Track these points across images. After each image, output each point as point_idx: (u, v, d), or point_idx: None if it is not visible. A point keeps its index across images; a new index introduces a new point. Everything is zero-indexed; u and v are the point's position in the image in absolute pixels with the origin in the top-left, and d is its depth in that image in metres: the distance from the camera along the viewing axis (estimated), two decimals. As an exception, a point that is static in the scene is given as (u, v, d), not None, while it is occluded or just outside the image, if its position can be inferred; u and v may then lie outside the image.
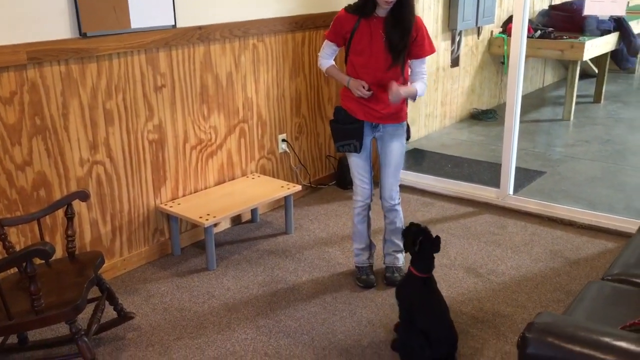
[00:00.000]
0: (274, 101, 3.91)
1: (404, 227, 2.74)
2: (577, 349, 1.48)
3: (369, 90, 2.79)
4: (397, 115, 2.89)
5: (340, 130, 2.94)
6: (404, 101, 2.87)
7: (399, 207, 3.05)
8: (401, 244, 3.00)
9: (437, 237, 2.46)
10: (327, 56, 2.95)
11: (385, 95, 2.75)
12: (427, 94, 5.43)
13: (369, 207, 3.06)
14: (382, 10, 2.72)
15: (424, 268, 2.45)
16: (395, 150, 2.96)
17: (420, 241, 2.42)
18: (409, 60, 2.84)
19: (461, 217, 3.81)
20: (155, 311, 2.91)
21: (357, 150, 2.92)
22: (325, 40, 2.92)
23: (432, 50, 2.82)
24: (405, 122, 2.96)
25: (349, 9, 2.81)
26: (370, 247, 3.14)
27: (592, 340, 1.49)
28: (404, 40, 2.73)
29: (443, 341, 2.44)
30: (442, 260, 3.32)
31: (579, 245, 3.46)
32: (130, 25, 3.00)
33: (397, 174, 3.00)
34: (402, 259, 3.14)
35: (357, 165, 2.97)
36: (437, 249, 2.45)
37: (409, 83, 2.86)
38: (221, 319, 2.83)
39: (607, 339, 1.48)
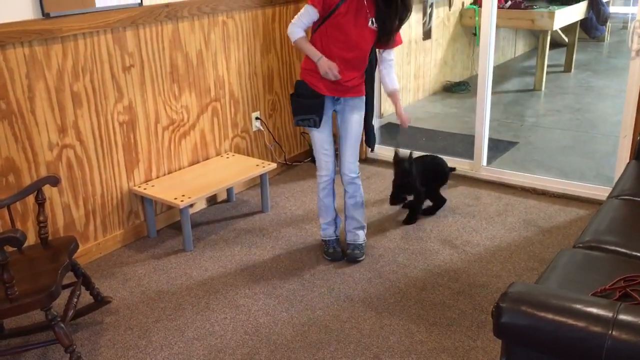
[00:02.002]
0: (246, 79, 3.87)
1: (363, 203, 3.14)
2: (550, 316, 1.51)
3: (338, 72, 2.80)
4: (357, 88, 2.95)
5: (300, 105, 2.91)
6: (362, 76, 2.95)
7: (358, 181, 3.07)
8: (362, 220, 3.14)
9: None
10: (303, 25, 2.82)
11: (349, 72, 2.84)
12: (400, 67, 5.44)
13: (333, 181, 3.08)
14: None
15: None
16: (355, 122, 3.00)
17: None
18: (379, 49, 2.95)
19: (436, 190, 3.84)
20: (133, 294, 2.90)
21: (317, 125, 2.92)
22: (307, 7, 2.77)
23: (401, 41, 2.94)
24: (364, 96, 3.01)
25: None
26: (336, 220, 3.17)
27: (565, 308, 1.51)
28: (398, 25, 2.80)
29: None
30: (418, 233, 3.35)
31: (552, 214, 3.52)
32: (95, 4, 2.92)
33: (356, 147, 3.04)
34: (364, 236, 3.16)
35: (320, 139, 2.97)
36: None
37: (382, 73, 3.00)
38: (200, 300, 2.83)
39: (578, 306, 1.51)
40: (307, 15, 2.80)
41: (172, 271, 3.08)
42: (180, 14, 3.32)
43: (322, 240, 3.20)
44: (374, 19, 2.77)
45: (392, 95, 3.06)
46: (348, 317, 2.66)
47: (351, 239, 3.15)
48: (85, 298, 2.75)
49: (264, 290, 2.88)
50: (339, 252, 3.13)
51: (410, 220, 3.48)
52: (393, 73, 3.02)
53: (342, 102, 2.97)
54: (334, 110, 3.00)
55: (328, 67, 2.77)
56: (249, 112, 3.95)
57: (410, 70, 5.69)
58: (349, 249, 3.14)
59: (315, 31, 2.84)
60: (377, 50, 2.98)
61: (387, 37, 2.83)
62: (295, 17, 2.84)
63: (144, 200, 3.37)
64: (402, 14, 2.77)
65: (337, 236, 3.18)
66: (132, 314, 2.75)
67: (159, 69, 3.32)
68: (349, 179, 3.04)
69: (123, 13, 3.04)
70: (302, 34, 2.83)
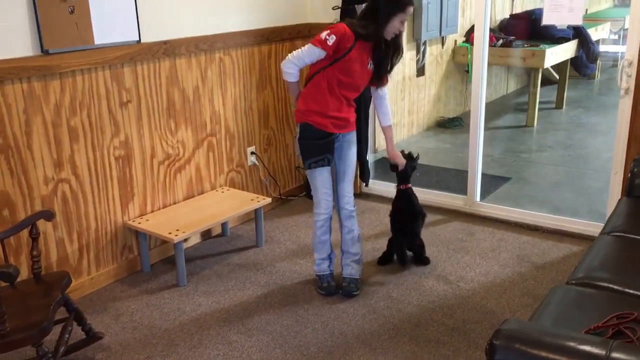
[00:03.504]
0: (241, 114, 3.91)
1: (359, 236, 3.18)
2: (544, 354, 1.51)
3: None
4: (353, 121, 3.04)
5: (313, 147, 2.89)
6: (354, 110, 3.04)
7: (355, 214, 3.12)
8: (360, 254, 3.15)
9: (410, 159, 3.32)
10: (302, 64, 2.84)
11: (349, 108, 2.96)
12: (394, 103, 5.51)
13: (331, 218, 3.09)
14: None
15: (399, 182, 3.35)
16: (352, 156, 3.08)
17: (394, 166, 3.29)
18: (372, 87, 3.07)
19: (430, 225, 3.85)
20: (125, 330, 2.87)
21: (330, 163, 2.94)
22: (314, 49, 2.78)
23: (388, 79, 3.06)
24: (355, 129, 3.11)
25: (352, 28, 2.78)
26: (330, 255, 3.18)
27: (558, 346, 1.52)
28: (391, 66, 2.96)
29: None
30: (412, 268, 3.35)
31: (545, 250, 3.53)
32: (94, 42, 2.97)
33: (352, 180, 3.11)
34: (359, 271, 3.17)
35: (324, 179, 2.98)
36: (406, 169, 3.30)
37: (377, 110, 3.13)
38: (192, 336, 2.81)
39: (572, 344, 1.51)
40: (311, 55, 2.80)
41: (165, 306, 3.06)
42: (178, 51, 3.38)
43: (317, 275, 3.20)
44: (371, 62, 2.90)
45: (385, 131, 3.17)
46: (342, 354, 2.64)
47: (347, 273, 3.15)
48: (77, 334, 2.73)
49: (258, 326, 2.87)
50: (333, 287, 3.13)
51: (423, 258, 3.40)
52: (387, 109, 3.12)
53: (340, 139, 3.01)
54: None
55: None
56: (244, 146, 3.98)
57: (404, 106, 5.76)
58: (344, 282, 3.14)
59: (319, 72, 2.85)
60: (370, 87, 3.06)
61: (381, 77, 2.99)
62: (296, 53, 2.83)
63: (138, 234, 3.36)
64: (395, 57, 2.95)
65: (331, 271, 3.18)
66: (123, 350, 2.72)
67: (155, 104, 3.36)
68: (348, 212, 3.08)
69: (121, 50, 3.09)
70: (297, 78, 2.91)
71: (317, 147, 2.90)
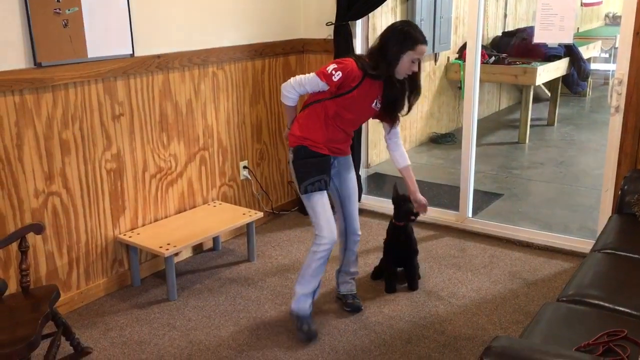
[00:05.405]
0: (234, 128, 3.91)
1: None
2: (534, 372, 1.51)
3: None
4: (348, 150, 2.94)
5: (309, 166, 2.71)
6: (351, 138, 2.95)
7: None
8: (357, 269, 3.17)
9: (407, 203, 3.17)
10: (303, 92, 2.72)
11: (347, 139, 2.88)
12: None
13: (332, 248, 2.82)
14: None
15: (398, 219, 3.25)
16: (353, 179, 3.02)
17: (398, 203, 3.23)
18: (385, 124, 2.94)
19: (422, 241, 3.85)
20: (114, 345, 2.84)
21: (327, 186, 2.76)
22: (319, 81, 2.65)
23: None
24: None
25: (361, 65, 2.65)
26: (315, 291, 2.90)
27: (548, 363, 1.52)
28: (411, 106, 2.82)
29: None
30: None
31: (536, 266, 3.53)
32: (87, 55, 2.97)
33: (357, 203, 3.05)
34: (355, 285, 3.16)
35: (323, 202, 2.75)
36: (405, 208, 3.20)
37: (390, 147, 2.95)
38: (182, 351, 2.78)
39: (561, 362, 1.51)
40: (314, 85, 2.68)
41: (154, 321, 3.04)
42: (171, 64, 3.39)
43: (295, 314, 2.86)
44: (378, 101, 2.77)
45: (404, 171, 2.99)
46: (332, 370, 2.63)
47: (347, 290, 3.12)
48: (65, 348, 2.70)
49: (248, 342, 2.85)
50: (314, 331, 2.85)
51: (414, 284, 3.30)
52: (402, 147, 2.97)
53: (337, 164, 2.90)
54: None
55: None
56: (237, 161, 3.98)
57: (397, 121, 5.77)
58: (348, 299, 3.09)
59: (319, 102, 2.73)
60: (383, 124, 2.95)
61: (394, 117, 2.86)
62: (299, 78, 2.71)
63: (129, 248, 3.34)
64: (413, 97, 2.82)
65: (311, 310, 2.88)
66: (112, 365, 2.69)
67: (148, 117, 3.35)
68: (357, 238, 3.07)
69: (115, 63, 3.10)
70: (296, 102, 2.79)
71: (314, 166, 2.72)
